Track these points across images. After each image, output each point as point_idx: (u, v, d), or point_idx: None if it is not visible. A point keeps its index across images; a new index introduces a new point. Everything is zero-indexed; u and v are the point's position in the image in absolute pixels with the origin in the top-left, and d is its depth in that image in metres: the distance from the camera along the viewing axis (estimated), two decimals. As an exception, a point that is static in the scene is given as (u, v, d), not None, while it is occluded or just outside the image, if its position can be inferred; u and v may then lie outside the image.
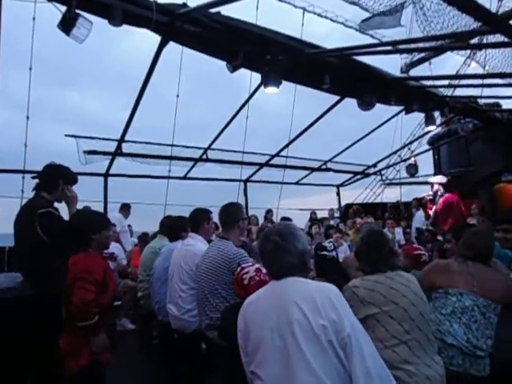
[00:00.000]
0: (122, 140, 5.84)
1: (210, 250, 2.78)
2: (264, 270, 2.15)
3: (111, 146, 5.97)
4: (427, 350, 1.76)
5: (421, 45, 4.02)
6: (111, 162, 6.34)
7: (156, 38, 4.01)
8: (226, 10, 4.05)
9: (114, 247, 5.41)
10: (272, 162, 8.16)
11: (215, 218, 3.36)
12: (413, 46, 4.20)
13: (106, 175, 6.65)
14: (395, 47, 4.57)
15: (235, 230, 2.83)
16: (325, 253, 3.90)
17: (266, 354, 1.42)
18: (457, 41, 3.98)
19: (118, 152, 6.06)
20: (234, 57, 4.26)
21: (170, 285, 3.13)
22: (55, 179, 2.80)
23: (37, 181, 2.85)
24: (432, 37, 3.83)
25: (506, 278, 2.31)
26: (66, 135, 5.63)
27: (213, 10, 3.94)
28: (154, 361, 4.02)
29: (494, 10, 7.27)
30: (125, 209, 6.54)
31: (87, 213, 2.59)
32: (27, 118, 4.94)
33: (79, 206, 2.97)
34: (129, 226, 7.18)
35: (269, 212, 8.58)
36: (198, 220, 3.21)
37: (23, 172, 5.20)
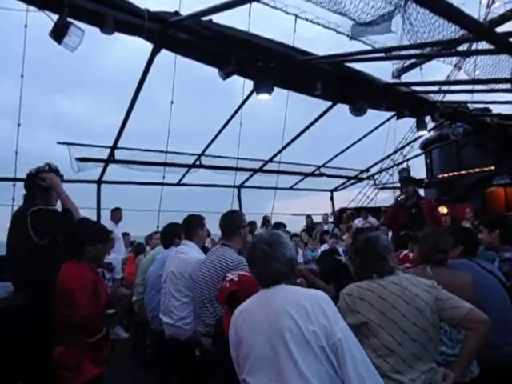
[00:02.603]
0: (114, 147, 5.82)
1: (210, 256, 2.76)
2: (230, 277, 2.17)
3: (104, 153, 5.95)
4: (423, 359, 1.72)
5: (411, 52, 4.07)
6: (104, 169, 6.31)
7: (148, 44, 4.03)
8: (218, 17, 4.07)
9: (112, 258, 5.36)
10: (266, 168, 8.18)
11: (208, 224, 3.36)
12: (403, 52, 4.25)
13: (99, 182, 6.62)
14: (386, 54, 4.63)
15: (237, 237, 2.78)
16: (340, 258, 3.86)
17: (257, 362, 1.43)
18: (443, 48, 4.04)
19: (111, 159, 6.03)
20: (226, 64, 4.29)
21: (163, 292, 3.12)
22: (29, 188, 2.79)
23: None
24: (420, 44, 3.88)
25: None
26: (58, 142, 5.61)
27: (204, 18, 3.97)
28: (147, 369, 3.99)
29: (482, 16, 7.42)
30: (115, 213, 6.41)
31: (88, 223, 2.56)
32: (18, 125, 4.92)
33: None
34: (126, 234, 7.10)
35: (266, 219, 8.62)
36: (191, 226, 3.21)
37: (14, 180, 5.17)
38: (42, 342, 2.28)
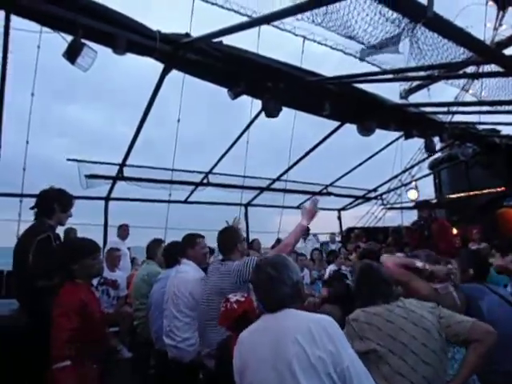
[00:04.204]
0: (123, 164, 5.88)
1: (211, 273, 2.77)
2: (235, 298, 2.12)
3: (112, 170, 6.01)
4: (435, 382, 1.67)
5: (418, 74, 4.10)
6: (112, 186, 6.36)
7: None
8: (228, 39, 4.15)
9: (117, 275, 5.33)
10: (273, 186, 8.18)
11: (214, 242, 3.35)
12: (410, 74, 4.28)
13: (107, 199, 6.66)
14: (394, 76, 4.66)
15: (235, 253, 2.81)
16: (348, 282, 3.81)
17: None
18: (451, 71, 4.06)
19: (120, 176, 6.09)
20: (235, 84, 4.35)
21: (165, 314, 3.08)
22: (50, 204, 2.81)
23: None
24: (428, 66, 3.90)
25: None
26: (68, 159, 5.68)
27: (216, 41, 4.05)
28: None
29: (489, 38, 7.47)
30: (122, 230, 6.33)
31: (69, 241, 2.52)
32: (27, 142, 4.99)
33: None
34: (127, 248, 7.04)
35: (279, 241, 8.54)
36: (184, 245, 3.22)
37: (21, 196, 5.22)
38: (42, 363, 2.24)
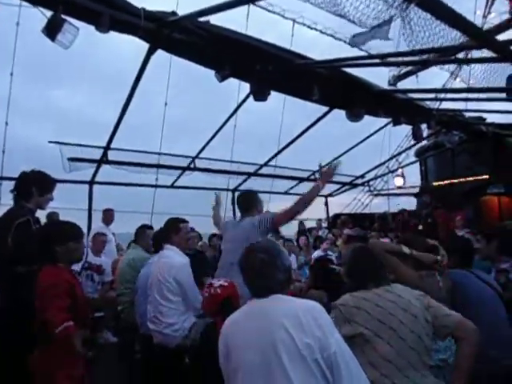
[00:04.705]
0: (107, 147, 5.73)
1: (231, 228, 3.21)
2: (218, 283, 2.10)
3: (97, 153, 5.86)
4: (418, 367, 1.68)
5: (408, 58, 4.05)
6: (96, 170, 6.21)
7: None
8: (215, 20, 4.03)
9: (102, 260, 5.26)
10: (261, 172, 8.13)
11: (201, 227, 3.37)
12: (400, 59, 4.23)
13: (92, 183, 6.51)
14: (383, 60, 4.61)
15: (254, 213, 3.17)
16: (334, 266, 3.82)
17: (248, 375, 1.37)
18: (442, 55, 4.01)
19: (104, 160, 5.94)
20: (222, 66, 4.24)
21: (149, 299, 3.05)
22: (29, 187, 2.72)
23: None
24: (418, 51, 3.85)
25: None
26: (50, 142, 5.51)
27: (202, 19, 3.92)
28: (135, 376, 3.90)
29: (479, 25, 7.46)
30: (107, 214, 6.19)
31: (54, 223, 2.44)
32: (6, 123, 4.81)
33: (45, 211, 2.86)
34: (117, 244, 6.85)
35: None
36: (167, 231, 3.19)
37: (1, 179, 5.06)
38: (22, 348, 2.19)
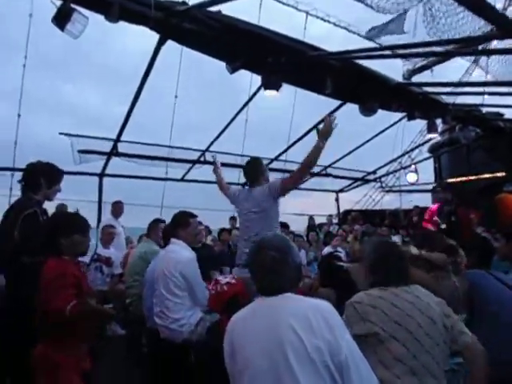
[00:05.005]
0: (117, 140, 5.71)
1: (243, 199, 3.32)
2: (225, 280, 2.03)
3: (107, 146, 5.85)
4: (433, 372, 1.58)
5: (427, 49, 3.89)
6: (106, 162, 6.21)
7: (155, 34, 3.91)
8: (227, 10, 3.96)
9: (111, 252, 5.26)
10: (271, 166, 8.05)
11: (211, 221, 3.34)
12: (417, 50, 4.08)
13: (102, 175, 6.52)
14: (394, 52, 4.45)
15: (260, 181, 3.30)
16: (341, 264, 3.73)
17: (255, 378, 1.30)
18: (464, 46, 3.81)
19: (114, 152, 5.93)
20: (233, 58, 4.17)
21: (155, 293, 3.01)
22: (36, 178, 2.69)
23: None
24: (437, 41, 3.69)
25: None
26: (61, 133, 5.51)
27: (213, 9, 3.85)
28: (142, 368, 3.89)
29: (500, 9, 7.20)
30: (116, 207, 6.08)
31: (61, 215, 2.39)
32: (18, 115, 4.82)
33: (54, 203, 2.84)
34: (127, 237, 6.77)
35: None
36: (175, 225, 3.13)
37: (13, 170, 5.09)
38: (27, 339, 2.17)
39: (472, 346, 1.65)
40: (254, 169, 3.40)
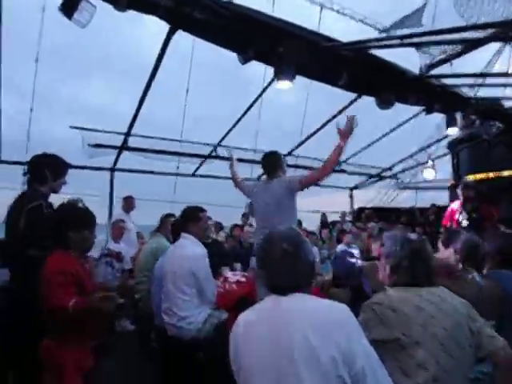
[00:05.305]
0: (128, 134, 5.66)
1: (261, 191, 3.34)
2: (235, 278, 1.90)
3: (117, 140, 5.80)
4: (457, 379, 1.46)
5: (451, 36, 3.68)
6: (117, 156, 6.17)
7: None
8: (239, 1, 3.84)
9: (121, 247, 5.22)
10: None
11: (223, 217, 3.25)
12: (437, 38, 3.87)
13: (113, 170, 6.49)
14: (408, 41, 4.22)
15: (278, 173, 3.35)
16: (354, 260, 3.61)
17: None
18: (499, 32, 3.49)
19: (125, 146, 5.88)
20: (245, 48, 4.04)
21: (163, 290, 2.93)
22: (41, 170, 2.62)
23: None
24: (468, 27, 3.41)
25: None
26: (71, 127, 5.47)
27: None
28: (153, 362, 3.84)
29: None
30: (127, 202, 6.03)
31: (72, 207, 2.32)
32: (31, 110, 4.80)
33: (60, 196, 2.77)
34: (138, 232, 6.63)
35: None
36: (186, 219, 3.03)
37: (25, 164, 5.06)
38: (31, 334, 2.11)
39: (504, 351, 1.50)
40: (273, 161, 3.44)
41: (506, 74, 4.93)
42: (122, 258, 5.12)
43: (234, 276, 1.92)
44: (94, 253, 4.95)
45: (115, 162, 6.34)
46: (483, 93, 6.45)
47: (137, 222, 6.57)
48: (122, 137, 5.74)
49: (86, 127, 5.54)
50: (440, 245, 2.52)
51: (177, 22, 3.73)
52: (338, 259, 4.12)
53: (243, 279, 1.83)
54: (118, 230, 5.17)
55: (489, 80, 5.67)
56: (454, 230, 2.81)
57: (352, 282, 3.12)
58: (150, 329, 4.17)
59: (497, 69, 7.46)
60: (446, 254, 2.41)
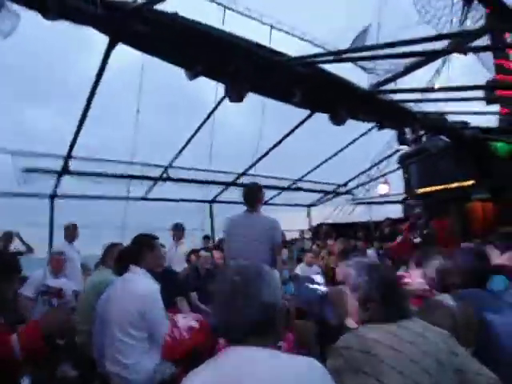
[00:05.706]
0: (68, 156, 5.17)
1: (245, 223, 3.46)
2: (187, 324, 1.61)
3: (56, 164, 5.27)
4: None
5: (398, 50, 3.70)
6: (58, 182, 5.62)
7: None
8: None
9: (62, 282, 4.66)
10: (239, 181, 7.69)
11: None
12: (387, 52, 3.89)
13: (53, 196, 5.90)
14: (357, 55, 4.23)
15: (258, 205, 3.59)
16: (316, 287, 3.40)
17: None
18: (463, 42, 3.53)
19: (66, 170, 5.36)
20: (193, 63, 3.82)
21: (107, 333, 2.52)
22: None
23: None
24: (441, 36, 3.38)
25: None
26: (-1, 150, 4.85)
27: (171, 11, 3.51)
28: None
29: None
30: (69, 231, 5.50)
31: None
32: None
33: None
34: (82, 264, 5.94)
35: None
36: (138, 249, 2.68)
37: None
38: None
39: None
40: (254, 195, 3.63)
41: (451, 88, 5.08)
42: (63, 294, 4.56)
43: (184, 320, 1.62)
44: (29, 292, 4.40)
45: (55, 188, 5.76)
46: (428, 107, 6.69)
47: (83, 252, 6.00)
48: (62, 160, 5.22)
49: (17, 150, 4.96)
50: (411, 264, 2.38)
51: (117, 35, 3.44)
52: (299, 287, 3.90)
53: (195, 325, 1.54)
54: (56, 263, 4.62)
55: (433, 95, 5.85)
56: (428, 251, 2.66)
57: (315, 313, 2.87)
58: (94, 376, 3.69)
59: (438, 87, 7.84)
60: (415, 273, 2.26)
